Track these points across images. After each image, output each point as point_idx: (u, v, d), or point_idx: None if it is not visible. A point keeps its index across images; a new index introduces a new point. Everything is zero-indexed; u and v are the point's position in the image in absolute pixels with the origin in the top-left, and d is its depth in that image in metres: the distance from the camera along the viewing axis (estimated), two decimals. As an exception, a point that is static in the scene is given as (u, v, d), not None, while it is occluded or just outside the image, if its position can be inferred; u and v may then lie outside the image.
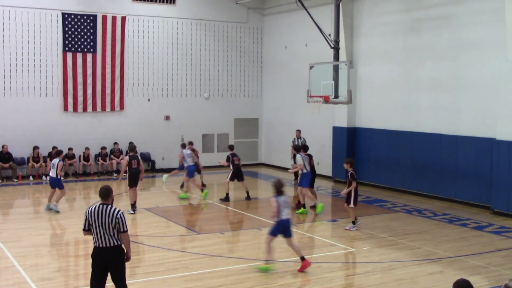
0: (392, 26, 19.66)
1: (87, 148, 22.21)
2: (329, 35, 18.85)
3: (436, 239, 13.22)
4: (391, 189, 19.47)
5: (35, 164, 21.32)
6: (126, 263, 8.14)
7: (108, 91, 22.92)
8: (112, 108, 23.10)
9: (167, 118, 24.28)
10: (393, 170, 19.49)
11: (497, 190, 15.81)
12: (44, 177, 21.21)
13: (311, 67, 18.56)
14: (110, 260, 7.94)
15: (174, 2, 24.20)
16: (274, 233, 10.75)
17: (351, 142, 21.00)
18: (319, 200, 16.56)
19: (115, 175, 22.04)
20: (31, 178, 21.27)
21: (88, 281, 7.89)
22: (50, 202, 15.83)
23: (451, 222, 15.04)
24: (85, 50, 22.38)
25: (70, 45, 22.12)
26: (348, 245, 12.70)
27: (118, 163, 22.50)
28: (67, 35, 22.04)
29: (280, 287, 10.01)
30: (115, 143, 22.93)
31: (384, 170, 19.88)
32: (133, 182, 15.89)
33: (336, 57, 18.83)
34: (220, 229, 14.08)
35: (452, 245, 12.72)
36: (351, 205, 13.96)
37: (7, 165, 20.92)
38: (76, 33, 22.18)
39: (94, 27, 22.45)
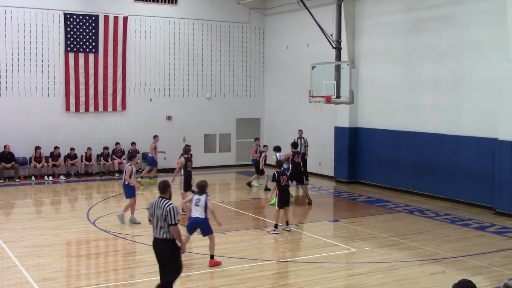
0: (393, 26, 19.65)
1: (89, 148, 22.22)
2: (331, 35, 18.85)
3: (438, 239, 13.21)
4: (393, 189, 19.46)
5: (37, 164, 21.34)
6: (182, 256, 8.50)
7: (110, 91, 22.93)
8: (114, 108, 23.11)
9: (169, 118, 24.28)
10: (395, 170, 19.48)
11: (499, 190, 15.79)
12: (46, 177, 21.27)
13: (313, 67, 18.56)
14: (161, 252, 8.35)
15: (176, 2, 24.20)
16: (188, 229, 11.17)
17: (353, 142, 20.99)
18: (322, 201, 16.56)
19: (117, 175, 22.02)
20: (33, 178, 21.28)
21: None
22: (132, 214, 14.46)
23: (453, 222, 15.02)
24: (87, 50, 22.39)
25: (72, 45, 22.14)
26: (350, 245, 12.69)
27: (120, 163, 22.52)
28: (69, 35, 22.06)
29: (281, 287, 10.02)
30: (117, 143, 22.94)
31: (385, 170, 19.86)
32: (188, 187, 15.22)
33: (338, 57, 18.82)
34: (222, 229, 14.06)
35: (454, 246, 12.71)
36: (276, 207, 13.92)
37: (9, 165, 20.94)
38: (78, 33, 22.20)
39: (96, 27, 22.46)
